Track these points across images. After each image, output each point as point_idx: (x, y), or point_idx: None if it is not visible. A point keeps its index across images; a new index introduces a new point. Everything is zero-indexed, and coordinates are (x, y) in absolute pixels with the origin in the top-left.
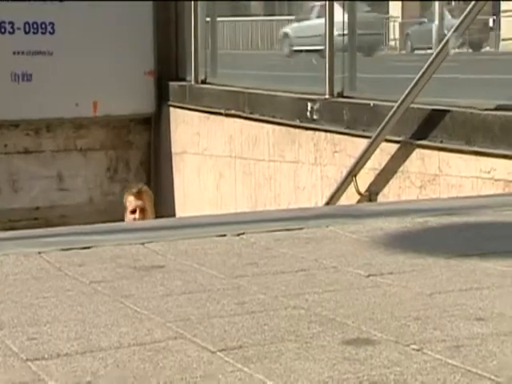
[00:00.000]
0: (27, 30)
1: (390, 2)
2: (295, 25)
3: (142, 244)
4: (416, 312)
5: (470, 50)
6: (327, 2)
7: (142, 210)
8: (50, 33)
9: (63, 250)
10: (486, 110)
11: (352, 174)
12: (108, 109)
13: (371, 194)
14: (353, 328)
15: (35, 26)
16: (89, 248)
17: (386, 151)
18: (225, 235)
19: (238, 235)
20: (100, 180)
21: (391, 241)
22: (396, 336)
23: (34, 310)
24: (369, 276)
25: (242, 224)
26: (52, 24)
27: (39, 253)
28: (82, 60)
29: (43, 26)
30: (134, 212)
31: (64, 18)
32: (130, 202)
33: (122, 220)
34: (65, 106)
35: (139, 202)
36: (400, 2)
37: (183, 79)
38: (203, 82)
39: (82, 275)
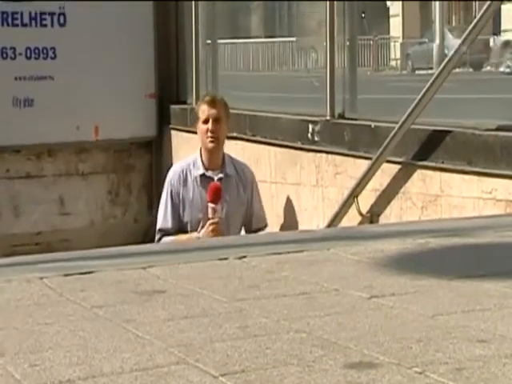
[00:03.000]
0: (29, 55)
1: (391, 23)
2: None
3: (144, 268)
4: (418, 334)
5: (471, 70)
6: (328, 21)
7: (216, 120)
8: (51, 58)
9: (65, 275)
10: (488, 130)
11: (353, 195)
12: (109, 132)
13: (373, 215)
14: (355, 351)
15: (37, 51)
16: (90, 273)
17: (387, 172)
18: (226, 258)
19: (240, 258)
20: (101, 203)
21: (393, 262)
22: (398, 359)
23: (36, 337)
24: (371, 298)
25: (243, 247)
26: (53, 49)
27: (41, 278)
28: (83, 84)
29: (45, 51)
30: (206, 122)
31: (65, 42)
32: (203, 111)
33: (124, 243)
34: (66, 130)
35: (213, 111)
36: (401, 23)
37: (184, 102)
38: None
39: (83, 300)
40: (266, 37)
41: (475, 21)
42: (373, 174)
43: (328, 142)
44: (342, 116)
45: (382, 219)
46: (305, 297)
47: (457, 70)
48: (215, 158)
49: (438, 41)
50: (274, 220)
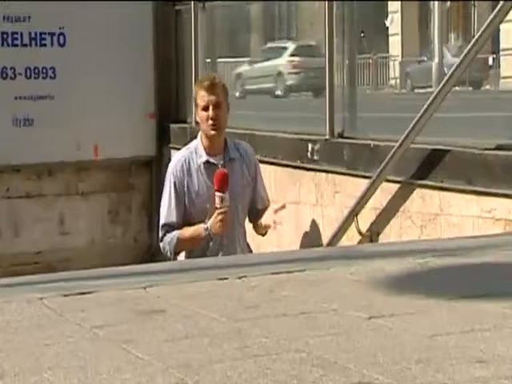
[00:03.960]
0: (28, 75)
1: (390, 41)
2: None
3: (144, 288)
4: (418, 355)
5: (470, 88)
6: (327, 40)
7: (217, 106)
8: (51, 77)
9: (64, 295)
10: (487, 149)
11: (353, 214)
12: (109, 152)
13: (372, 234)
14: (355, 372)
15: (36, 71)
16: (90, 293)
17: (386, 191)
18: (226, 278)
19: (240, 278)
20: (101, 223)
21: (392, 282)
22: (397, 380)
23: (36, 358)
24: (370, 318)
25: (243, 267)
26: (53, 69)
27: (41, 298)
28: (83, 104)
29: (44, 70)
30: (206, 109)
31: (65, 62)
32: (202, 97)
33: (124, 263)
34: (66, 149)
35: (212, 97)
36: (400, 41)
37: (184, 121)
38: None
39: (83, 320)
40: None
41: (474, 39)
42: (372, 192)
43: (327, 161)
44: (341, 135)
45: (382, 238)
46: (304, 317)
47: (456, 88)
48: (217, 143)
49: (436, 59)
50: (273, 238)
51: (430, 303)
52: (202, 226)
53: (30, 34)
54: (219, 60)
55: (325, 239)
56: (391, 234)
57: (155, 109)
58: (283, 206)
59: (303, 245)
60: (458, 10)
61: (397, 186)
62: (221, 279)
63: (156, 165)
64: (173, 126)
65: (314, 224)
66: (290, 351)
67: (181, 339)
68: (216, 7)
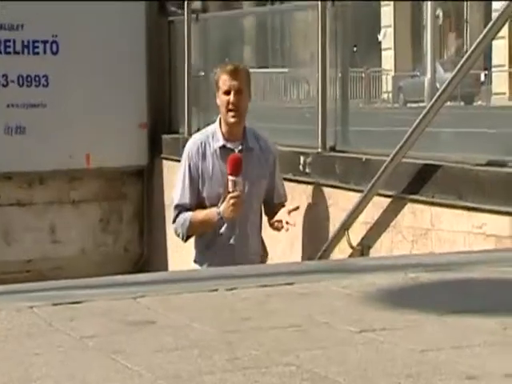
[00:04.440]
0: (21, 82)
1: (383, 56)
2: None
3: (134, 299)
4: (408, 369)
5: (462, 104)
6: (320, 54)
7: (238, 92)
8: (43, 85)
9: (54, 304)
10: (478, 165)
11: (344, 227)
12: (101, 161)
13: (364, 248)
14: None
15: (29, 78)
16: (80, 303)
17: (378, 205)
18: (217, 290)
19: (230, 290)
20: (93, 232)
21: (383, 296)
22: None
23: (26, 367)
24: (361, 332)
25: (234, 279)
26: (46, 77)
27: (31, 307)
28: (76, 112)
29: (37, 78)
30: (227, 93)
31: (58, 70)
32: (224, 81)
33: (115, 272)
34: (58, 158)
35: (235, 82)
36: (393, 56)
37: (176, 132)
38: None
39: (73, 330)
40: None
41: (466, 55)
42: (364, 206)
43: (319, 174)
44: (333, 148)
45: (373, 252)
46: (295, 329)
47: (448, 103)
48: (236, 129)
49: (429, 74)
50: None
51: (421, 318)
52: (214, 209)
53: (22, 41)
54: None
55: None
56: (382, 249)
57: (147, 119)
58: (297, 208)
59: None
60: (450, 26)
61: (388, 200)
62: (211, 291)
63: (148, 175)
64: (165, 136)
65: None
66: (280, 364)
67: (171, 350)
68: (209, 19)
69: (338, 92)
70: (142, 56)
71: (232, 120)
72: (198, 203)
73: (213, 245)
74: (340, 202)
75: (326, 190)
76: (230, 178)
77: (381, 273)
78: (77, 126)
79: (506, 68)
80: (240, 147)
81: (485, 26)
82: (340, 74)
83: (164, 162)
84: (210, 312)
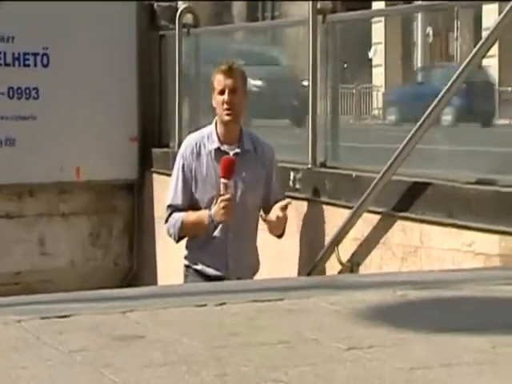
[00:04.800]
0: (11, 95)
1: (373, 72)
2: None
3: (123, 313)
4: None
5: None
6: (310, 70)
7: (233, 91)
8: (34, 98)
9: (43, 318)
10: (468, 183)
11: (334, 243)
12: (91, 174)
13: (353, 265)
14: None
15: (19, 91)
16: (68, 316)
17: (368, 222)
18: (206, 305)
19: (219, 305)
20: (82, 245)
21: (372, 314)
22: None
23: (12, 380)
24: (349, 349)
25: (223, 294)
26: (36, 89)
27: (19, 321)
28: (66, 125)
29: (27, 91)
30: (222, 93)
31: (48, 83)
32: (219, 81)
33: (104, 285)
34: (48, 170)
35: (229, 81)
36: (383, 72)
37: (166, 145)
38: None
39: (61, 344)
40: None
41: (457, 73)
42: (354, 223)
43: (309, 190)
44: (323, 164)
45: (363, 269)
46: (284, 346)
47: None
48: (232, 131)
49: None
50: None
51: (409, 336)
52: (206, 211)
53: (13, 53)
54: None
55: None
56: (372, 265)
57: (138, 132)
58: (289, 202)
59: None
60: (440, 44)
61: (378, 217)
62: (201, 306)
63: (138, 188)
64: (155, 150)
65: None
66: (269, 380)
67: (159, 365)
68: (200, 33)
69: (329, 108)
70: (132, 69)
71: (227, 118)
72: (192, 204)
73: (205, 247)
74: (330, 218)
75: (316, 206)
76: (222, 180)
77: (370, 290)
78: (67, 138)
79: (496, 86)
80: (235, 150)
81: (475, 45)
82: (330, 90)
83: (154, 175)
84: (198, 327)
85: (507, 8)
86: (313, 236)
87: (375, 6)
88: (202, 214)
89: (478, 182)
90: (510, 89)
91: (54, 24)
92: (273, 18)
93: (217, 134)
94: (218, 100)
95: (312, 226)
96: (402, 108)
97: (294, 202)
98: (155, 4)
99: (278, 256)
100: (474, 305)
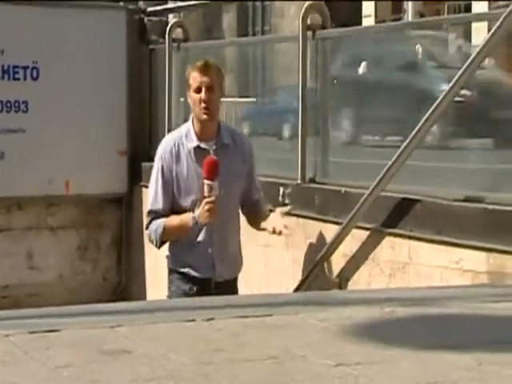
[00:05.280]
0: (0, 108)
1: None
2: None
3: (111, 328)
4: None
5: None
6: (300, 86)
7: (209, 88)
8: (23, 111)
9: (30, 332)
10: (456, 200)
11: (323, 259)
12: (80, 187)
13: (341, 280)
14: None
15: (9, 104)
16: (56, 331)
17: (356, 238)
18: (194, 320)
19: (207, 320)
20: (70, 259)
21: (360, 330)
22: None
23: None
24: (337, 366)
25: (211, 309)
26: (26, 102)
27: (6, 335)
28: (55, 138)
29: (17, 104)
30: (198, 91)
31: (38, 96)
32: (195, 78)
33: (93, 299)
34: (37, 183)
35: (205, 79)
36: None
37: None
38: None
39: (48, 359)
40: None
41: (446, 90)
42: (342, 239)
43: (299, 206)
44: (312, 180)
45: (351, 285)
46: (271, 362)
47: (428, 137)
48: (210, 127)
49: None
50: (242, 280)
51: (397, 353)
52: (189, 214)
53: (2, 66)
54: None
55: (294, 283)
56: (360, 281)
57: (127, 146)
58: (289, 209)
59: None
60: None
61: (367, 233)
62: (189, 321)
63: (127, 202)
64: (145, 164)
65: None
66: None
67: (146, 380)
68: (190, 48)
69: (319, 123)
70: (122, 83)
71: (204, 117)
72: (173, 208)
73: (190, 249)
74: (318, 234)
75: (305, 221)
76: (206, 182)
77: (358, 306)
78: (56, 152)
79: None
80: (214, 146)
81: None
82: (320, 106)
83: (143, 189)
84: (186, 342)
85: (496, 26)
86: (301, 252)
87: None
88: (186, 218)
89: (467, 200)
90: None
91: (43, 37)
92: (263, 32)
93: (194, 131)
94: (194, 98)
95: (301, 241)
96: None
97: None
98: (145, 18)
99: (266, 271)
100: (461, 322)
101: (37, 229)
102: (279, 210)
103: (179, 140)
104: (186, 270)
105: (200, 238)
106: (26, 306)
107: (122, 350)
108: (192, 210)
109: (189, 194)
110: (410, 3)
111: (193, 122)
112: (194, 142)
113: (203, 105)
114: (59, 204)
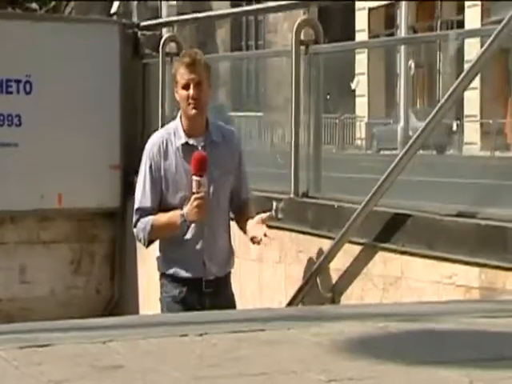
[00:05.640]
0: None
1: (357, 102)
2: None
3: (103, 343)
4: None
5: (434, 153)
6: (293, 100)
7: (197, 85)
8: (16, 125)
9: (22, 347)
10: (448, 215)
11: (315, 274)
12: (73, 201)
13: (334, 295)
14: None
15: (2, 118)
16: (48, 346)
17: (349, 253)
18: (187, 335)
19: (200, 335)
20: (63, 273)
21: (352, 345)
22: None
23: None
24: (329, 381)
25: (204, 324)
26: (19, 116)
27: None
28: (48, 152)
29: (10, 118)
30: (186, 87)
31: (31, 110)
32: (182, 75)
33: (85, 314)
34: (29, 197)
35: (193, 76)
36: (367, 103)
37: None
38: None
39: (40, 374)
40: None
41: (439, 105)
42: (335, 253)
43: (292, 220)
44: (305, 194)
45: (344, 299)
46: (263, 378)
47: (420, 152)
48: (198, 124)
49: (402, 122)
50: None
51: (389, 368)
52: (178, 212)
53: None
54: None
55: (287, 298)
56: (353, 296)
57: (120, 160)
58: (269, 217)
59: None
60: (423, 76)
61: (359, 247)
62: (182, 336)
63: (120, 216)
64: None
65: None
66: None
67: None
68: None
69: (312, 138)
70: (115, 97)
71: (192, 112)
72: (162, 206)
73: (180, 249)
74: (312, 248)
75: (298, 236)
76: (195, 178)
77: (350, 321)
78: (49, 165)
79: (478, 118)
80: (203, 143)
81: (457, 77)
82: (313, 120)
83: None
84: (179, 357)
85: (488, 42)
86: (294, 266)
87: (358, 37)
88: (174, 215)
89: (459, 215)
90: (490, 121)
91: (37, 51)
92: (256, 47)
93: (182, 128)
94: (181, 95)
95: (293, 256)
96: None
97: (276, 231)
98: (139, 32)
99: (259, 286)
100: (453, 338)
101: (29, 243)
102: (259, 218)
103: (167, 137)
104: (173, 270)
105: (189, 234)
106: (19, 321)
107: (114, 365)
108: (181, 207)
109: (177, 191)
110: (402, 18)
111: (181, 118)
112: (183, 139)
113: (191, 101)
114: (52, 218)
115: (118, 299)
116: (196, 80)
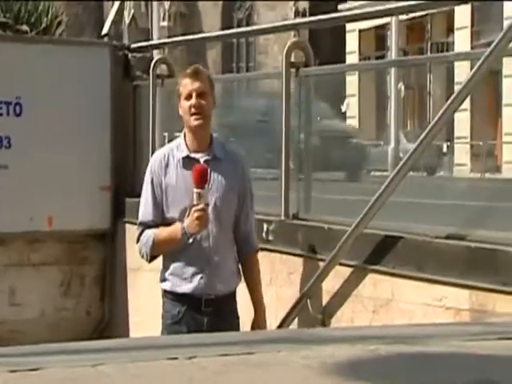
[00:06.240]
0: None
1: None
2: None
3: (93, 366)
4: None
5: (425, 174)
6: (284, 121)
7: (201, 95)
8: (5, 147)
9: (11, 371)
10: (438, 237)
11: (306, 296)
12: (63, 224)
13: (325, 317)
14: None
15: None
16: (38, 369)
17: (339, 275)
18: (176, 358)
19: (190, 358)
20: (53, 295)
21: (342, 368)
22: None
23: None
24: None
25: (193, 347)
26: (8, 138)
27: None
28: (38, 174)
29: None
30: (189, 97)
31: (21, 132)
32: (185, 85)
33: (75, 337)
34: (19, 219)
35: (197, 85)
36: (357, 124)
37: (140, 196)
38: None
39: None
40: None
41: (429, 127)
42: (325, 275)
43: (282, 242)
44: (296, 216)
45: (334, 321)
46: None
47: (411, 173)
48: (201, 137)
49: (392, 144)
50: None
51: None
52: (178, 225)
53: None
54: (177, 134)
55: (277, 320)
56: (343, 318)
57: (111, 182)
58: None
59: None
60: (414, 98)
61: (350, 269)
62: (171, 359)
63: (110, 238)
64: (128, 199)
65: None
66: None
67: None
68: (174, 84)
69: (302, 159)
70: (106, 119)
71: (195, 123)
72: (164, 219)
73: (179, 262)
74: (302, 270)
75: (289, 258)
76: (195, 190)
77: (340, 344)
78: (39, 188)
79: (468, 140)
80: (206, 158)
81: (447, 99)
82: (304, 142)
83: (127, 225)
84: (169, 381)
85: (478, 63)
86: (284, 288)
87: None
88: (175, 228)
89: (449, 237)
90: (481, 143)
91: (27, 73)
92: (247, 69)
93: (186, 143)
94: (184, 106)
95: (284, 278)
96: None
97: (267, 253)
98: (129, 54)
99: (249, 308)
100: (443, 360)
101: (19, 265)
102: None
103: (169, 152)
104: (171, 284)
105: (189, 248)
106: (9, 343)
107: None
108: (182, 220)
109: (178, 203)
110: (393, 40)
111: (184, 135)
112: (184, 152)
113: (194, 110)
114: (42, 240)
115: (108, 321)
116: (199, 90)
